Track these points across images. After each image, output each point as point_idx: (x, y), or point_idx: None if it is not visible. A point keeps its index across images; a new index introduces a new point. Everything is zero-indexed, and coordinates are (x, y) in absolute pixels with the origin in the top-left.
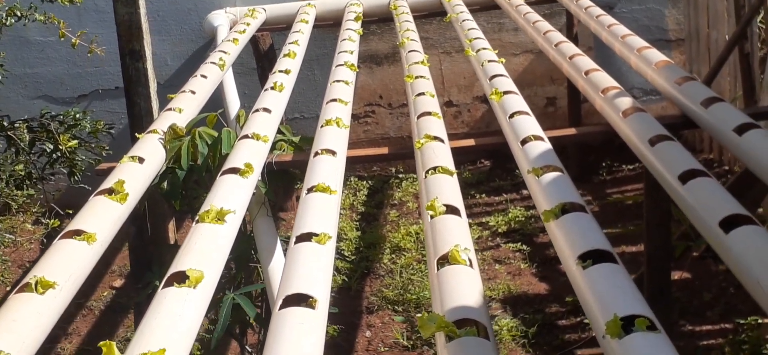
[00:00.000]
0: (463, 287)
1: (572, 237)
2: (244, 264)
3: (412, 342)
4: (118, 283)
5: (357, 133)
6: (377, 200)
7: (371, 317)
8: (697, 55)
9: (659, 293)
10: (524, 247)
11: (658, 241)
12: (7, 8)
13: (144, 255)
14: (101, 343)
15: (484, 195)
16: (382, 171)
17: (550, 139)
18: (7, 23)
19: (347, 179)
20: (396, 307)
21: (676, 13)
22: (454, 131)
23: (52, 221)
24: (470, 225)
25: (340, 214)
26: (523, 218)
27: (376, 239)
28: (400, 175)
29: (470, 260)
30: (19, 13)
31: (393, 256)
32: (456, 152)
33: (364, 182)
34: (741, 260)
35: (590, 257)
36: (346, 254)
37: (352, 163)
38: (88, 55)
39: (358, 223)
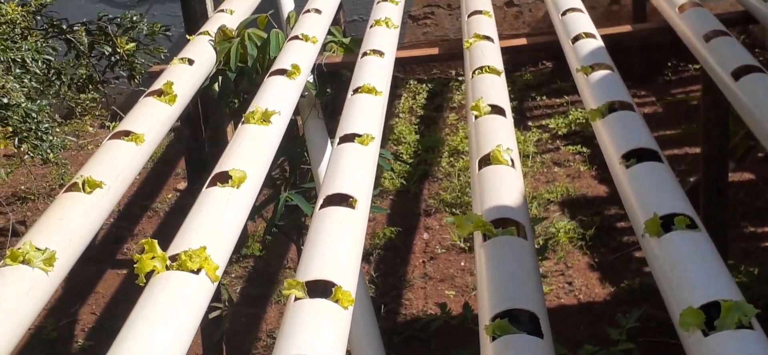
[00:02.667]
0: (503, 187)
1: (617, 136)
2: (297, 165)
3: (468, 244)
4: (182, 185)
5: (416, 34)
6: (437, 102)
7: (429, 220)
8: None
9: (716, 194)
10: (584, 149)
11: (715, 140)
12: None
13: (200, 157)
14: (143, 240)
15: (544, 97)
16: (442, 74)
17: (605, 37)
18: None
19: (406, 81)
20: (453, 210)
21: None
22: (514, 32)
23: (114, 123)
24: (530, 127)
25: (400, 117)
26: (583, 120)
27: (434, 142)
28: (460, 78)
29: (512, 161)
30: None
31: (451, 159)
32: (509, 52)
33: (424, 85)
34: None
35: (635, 156)
36: (404, 157)
37: (402, 64)
38: None
39: (416, 126)
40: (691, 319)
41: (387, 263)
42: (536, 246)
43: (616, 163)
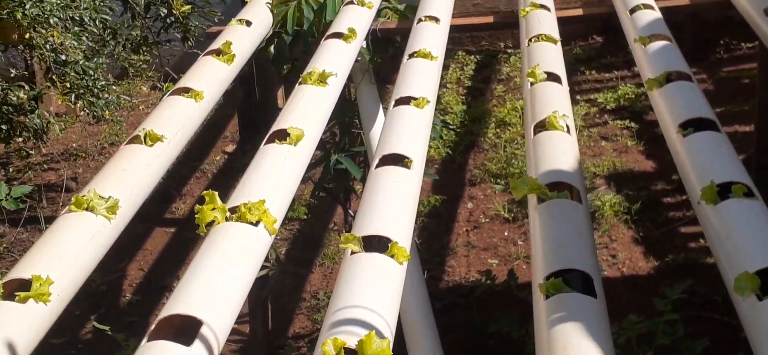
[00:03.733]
0: (558, 152)
1: (674, 105)
2: (348, 130)
3: (513, 215)
4: (230, 148)
5: (466, 6)
6: (484, 74)
7: (473, 190)
8: None
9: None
10: (632, 124)
11: None
12: None
13: (252, 119)
14: (204, 191)
15: (594, 71)
16: (491, 46)
17: (662, 9)
18: None
19: (455, 53)
20: (498, 180)
21: None
22: (566, 5)
23: (167, 84)
24: (579, 101)
25: (447, 87)
26: (633, 96)
27: (481, 113)
28: (509, 51)
29: (567, 127)
30: None
31: (498, 130)
32: (564, 23)
33: (472, 56)
34: None
35: (692, 125)
36: (452, 127)
37: (456, 31)
38: None
39: (464, 97)
40: (747, 283)
41: (431, 230)
42: None
43: (672, 133)
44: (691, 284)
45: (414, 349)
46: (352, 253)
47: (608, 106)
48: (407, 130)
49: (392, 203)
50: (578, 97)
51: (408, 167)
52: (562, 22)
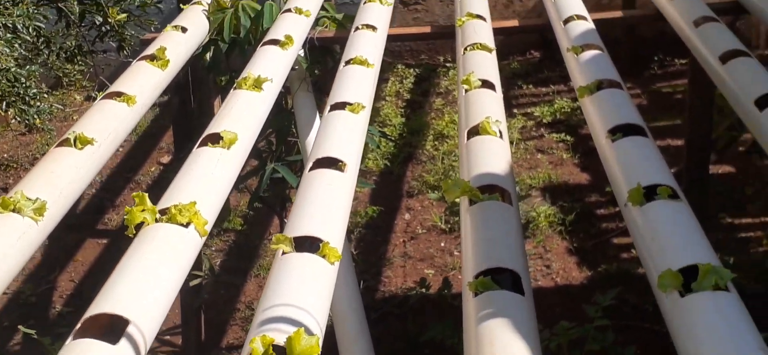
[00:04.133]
0: (490, 156)
1: (604, 111)
2: (284, 138)
3: (449, 225)
4: (166, 159)
5: (406, 19)
6: (423, 88)
7: (411, 201)
8: None
9: (698, 181)
10: (568, 137)
11: (699, 128)
12: None
13: (188, 129)
14: (134, 194)
15: (531, 86)
16: (430, 60)
17: (596, 21)
18: None
19: (394, 66)
20: (436, 192)
21: None
22: (504, 19)
23: (100, 94)
24: (516, 115)
25: (386, 100)
26: (568, 109)
27: (420, 126)
28: (448, 64)
29: (500, 132)
30: None
31: (436, 142)
32: (501, 33)
33: (412, 70)
34: None
35: (621, 131)
36: (391, 139)
37: (394, 40)
38: None
39: (402, 109)
40: (669, 280)
41: (367, 241)
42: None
43: (602, 138)
44: (620, 291)
45: None
46: (284, 253)
47: (544, 120)
48: (341, 134)
49: (325, 204)
50: (515, 110)
51: (341, 170)
52: (498, 33)
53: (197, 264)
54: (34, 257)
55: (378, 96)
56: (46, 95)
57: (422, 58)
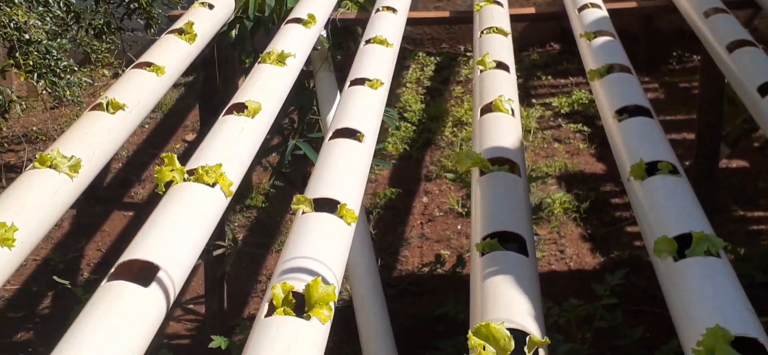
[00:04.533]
0: (501, 131)
1: (613, 93)
2: (306, 115)
3: (466, 209)
4: (191, 136)
5: (428, 8)
6: (444, 75)
7: (429, 185)
8: None
9: (707, 172)
10: (585, 128)
11: (709, 119)
12: None
13: (213, 105)
14: (163, 154)
15: (550, 77)
16: (451, 48)
17: (610, 11)
18: None
19: (415, 54)
20: (453, 174)
21: None
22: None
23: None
24: (534, 105)
25: (406, 87)
26: (586, 101)
27: (439, 112)
28: (468, 54)
29: (512, 110)
30: None
31: (454, 129)
32: (518, 19)
33: (432, 58)
34: None
35: (628, 112)
36: (410, 125)
37: (413, 24)
38: None
39: (423, 96)
40: (664, 246)
41: (386, 221)
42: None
43: (609, 118)
44: (632, 276)
45: (365, 332)
46: (303, 213)
47: (562, 111)
48: (360, 107)
49: (343, 170)
50: (534, 101)
51: (360, 141)
52: (515, 19)
53: (221, 234)
54: (63, 226)
55: (399, 83)
56: (75, 69)
57: (443, 46)
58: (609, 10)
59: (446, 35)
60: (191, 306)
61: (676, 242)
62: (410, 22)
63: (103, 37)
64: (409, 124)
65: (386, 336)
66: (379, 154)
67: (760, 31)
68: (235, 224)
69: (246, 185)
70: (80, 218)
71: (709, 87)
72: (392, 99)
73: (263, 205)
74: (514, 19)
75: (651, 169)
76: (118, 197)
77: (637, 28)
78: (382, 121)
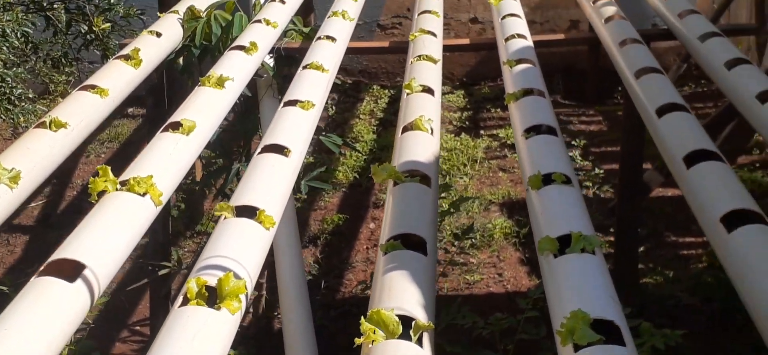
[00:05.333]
0: (418, 147)
1: (525, 114)
2: (251, 139)
3: None
4: None
5: (382, 41)
6: (396, 107)
7: (377, 211)
8: None
9: (630, 198)
10: None
11: (630, 147)
12: None
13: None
14: (98, 167)
15: (499, 109)
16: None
17: (539, 42)
18: None
19: (370, 87)
20: None
21: None
22: (456, 40)
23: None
24: (482, 136)
25: (360, 118)
26: None
27: (390, 143)
28: None
29: (432, 130)
30: None
31: None
32: (452, 50)
33: (387, 90)
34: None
35: (535, 131)
36: (360, 154)
37: (353, 53)
38: None
39: (375, 127)
40: (546, 245)
41: (333, 246)
42: (466, 227)
43: (519, 137)
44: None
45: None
46: (225, 218)
47: (509, 141)
48: (289, 126)
49: (266, 181)
50: (482, 132)
51: (286, 156)
52: (449, 49)
53: (167, 256)
54: (15, 252)
55: (353, 114)
56: (31, 97)
57: (397, 80)
58: (536, 41)
59: (401, 69)
60: (137, 327)
61: (558, 242)
62: (351, 51)
63: (61, 67)
64: (359, 154)
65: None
66: (330, 182)
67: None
68: (185, 249)
69: (197, 212)
70: (33, 244)
71: (630, 115)
72: (345, 129)
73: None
74: (448, 49)
75: (549, 180)
76: (72, 224)
77: (586, 63)
78: (326, 147)
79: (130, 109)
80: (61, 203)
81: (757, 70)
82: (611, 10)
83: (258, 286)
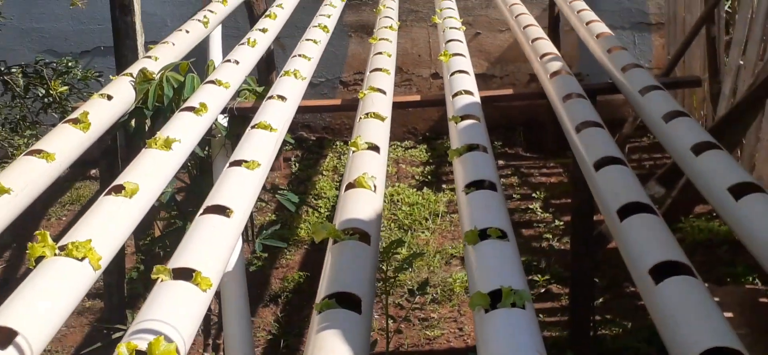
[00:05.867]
0: (359, 205)
1: (467, 169)
2: (205, 198)
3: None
4: None
5: (345, 98)
6: None
7: None
8: (674, 38)
9: (584, 250)
10: None
11: (580, 200)
12: None
13: None
14: (37, 232)
15: None
16: None
17: (489, 97)
18: None
19: (333, 143)
20: None
21: None
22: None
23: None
24: (444, 190)
25: (323, 174)
26: None
27: None
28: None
29: (375, 187)
30: None
31: None
32: (402, 106)
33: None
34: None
35: (476, 186)
36: (322, 210)
37: (305, 112)
38: (70, 6)
39: (337, 183)
40: (478, 300)
41: (293, 305)
42: (420, 283)
43: (460, 192)
44: None
45: None
46: (162, 281)
47: None
48: (232, 186)
49: (205, 243)
50: (444, 186)
51: (228, 216)
52: (398, 106)
53: (122, 320)
54: None
55: (316, 170)
56: None
57: None
58: (484, 96)
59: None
60: None
61: (490, 297)
62: (302, 109)
63: (20, 131)
64: (320, 212)
65: None
66: (291, 239)
67: None
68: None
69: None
70: None
71: (577, 168)
72: (307, 186)
73: None
74: (398, 105)
75: (485, 235)
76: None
77: (545, 116)
78: (281, 204)
79: (92, 171)
80: (21, 266)
81: (694, 122)
82: (557, 65)
83: (215, 347)
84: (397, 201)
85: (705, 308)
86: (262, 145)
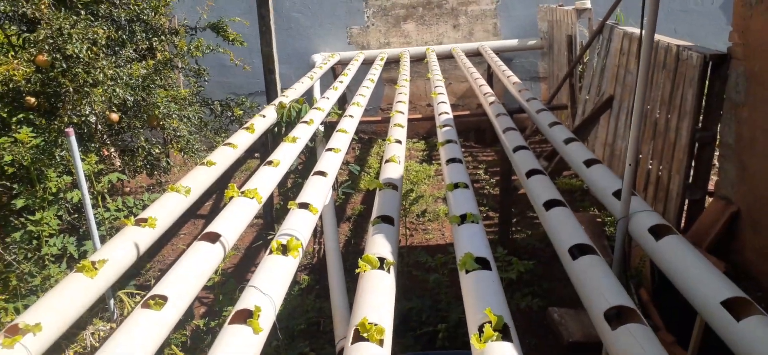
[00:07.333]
0: (391, 170)
1: (446, 152)
2: (311, 169)
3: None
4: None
5: (383, 117)
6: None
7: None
8: (552, 85)
9: (505, 194)
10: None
11: (504, 165)
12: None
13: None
14: (229, 183)
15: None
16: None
17: (457, 116)
18: (199, 53)
19: (377, 139)
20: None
21: (542, 63)
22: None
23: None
24: (432, 163)
25: (371, 155)
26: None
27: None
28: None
29: (400, 161)
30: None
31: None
32: (412, 122)
33: (385, 143)
34: None
35: (451, 162)
36: (371, 173)
37: (362, 124)
38: (243, 69)
39: (379, 160)
40: (454, 219)
41: (358, 223)
42: (422, 210)
43: (444, 164)
44: None
45: None
46: (291, 209)
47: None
48: (327, 161)
49: (314, 190)
50: (434, 162)
51: (325, 177)
52: (412, 121)
53: None
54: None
55: (368, 153)
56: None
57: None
58: (457, 116)
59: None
60: None
61: (460, 218)
62: (361, 122)
63: (218, 134)
64: (370, 175)
65: None
66: (356, 189)
67: None
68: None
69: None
70: None
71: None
72: (364, 161)
73: None
74: (410, 120)
75: (457, 186)
76: None
77: (486, 125)
78: (351, 170)
79: (256, 154)
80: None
81: (564, 128)
82: (492, 98)
83: (318, 243)
84: (410, 169)
85: (571, 223)
86: (341, 141)
